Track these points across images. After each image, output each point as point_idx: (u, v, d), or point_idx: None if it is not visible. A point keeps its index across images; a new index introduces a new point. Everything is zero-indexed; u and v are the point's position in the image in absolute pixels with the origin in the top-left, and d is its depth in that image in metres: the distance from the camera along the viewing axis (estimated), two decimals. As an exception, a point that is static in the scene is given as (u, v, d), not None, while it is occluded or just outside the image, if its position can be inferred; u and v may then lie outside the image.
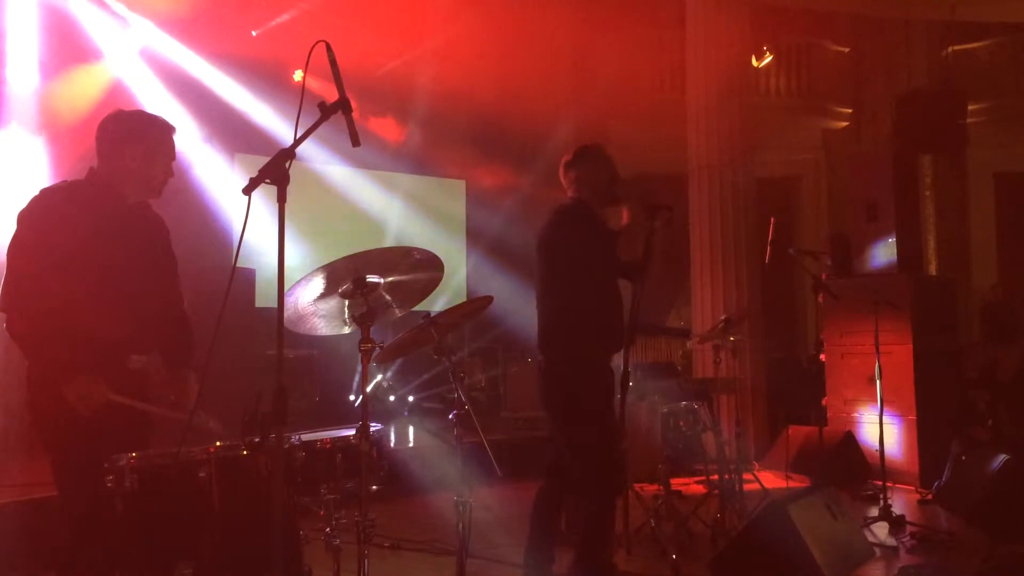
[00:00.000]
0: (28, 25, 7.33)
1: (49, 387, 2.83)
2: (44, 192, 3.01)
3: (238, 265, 2.70)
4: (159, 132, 3.14)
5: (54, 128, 7.12)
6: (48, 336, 2.83)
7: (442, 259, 3.12)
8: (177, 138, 3.21)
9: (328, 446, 3.02)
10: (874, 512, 5.68)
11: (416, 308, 3.34)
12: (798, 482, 6.73)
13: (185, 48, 8.97)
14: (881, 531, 5.42)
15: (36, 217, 2.94)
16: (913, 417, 7.16)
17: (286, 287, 2.52)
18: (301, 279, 2.88)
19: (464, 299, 8.97)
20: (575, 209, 3.93)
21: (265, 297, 8.21)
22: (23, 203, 2.97)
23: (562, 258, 3.87)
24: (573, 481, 3.88)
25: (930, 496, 6.36)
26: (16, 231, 2.93)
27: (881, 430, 5.86)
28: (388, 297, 3.13)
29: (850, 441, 7.37)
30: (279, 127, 9.11)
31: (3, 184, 6.56)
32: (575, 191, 3.96)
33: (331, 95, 2.48)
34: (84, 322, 2.86)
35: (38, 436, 2.97)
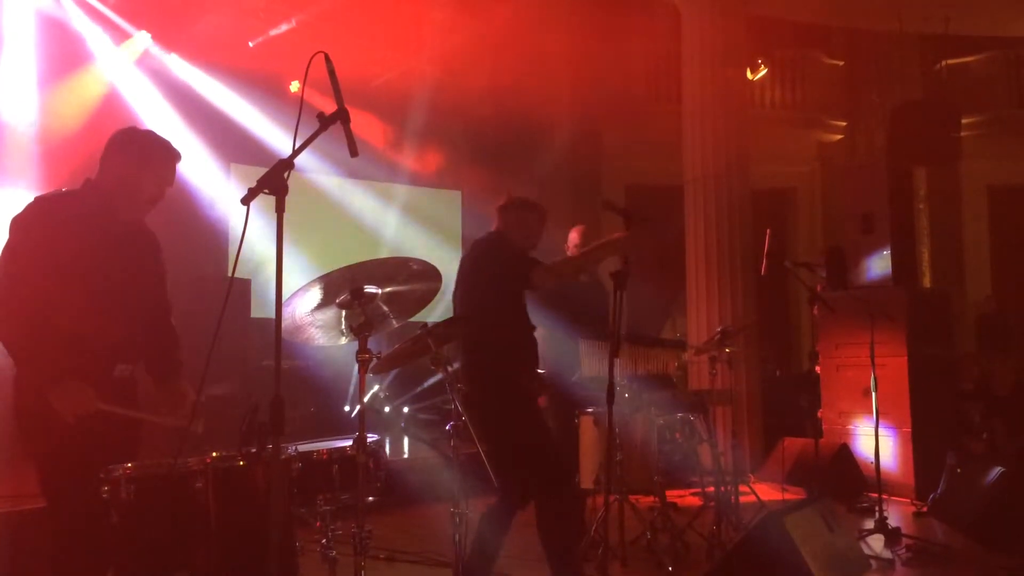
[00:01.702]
0: (26, 36, 7.35)
1: (37, 393, 2.80)
2: (39, 200, 3.00)
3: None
4: (162, 159, 3.12)
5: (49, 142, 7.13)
6: (38, 341, 2.81)
7: (439, 270, 3.12)
8: (180, 165, 3.18)
9: (325, 457, 3.02)
10: (870, 524, 5.67)
11: (413, 319, 3.34)
12: (794, 494, 6.72)
13: (182, 59, 8.99)
14: (877, 543, 5.40)
15: (30, 224, 2.93)
16: (908, 429, 7.16)
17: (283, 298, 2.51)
18: (298, 289, 2.87)
19: (460, 310, 8.93)
20: (492, 242, 4.02)
21: (260, 307, 8.19)
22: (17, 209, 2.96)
23: (472, 290, 3.96)
24: (526, 491, 3.87)
25: (926, 508, 6.36)
26: (10, 237, 2.92)
27: (877, 442, 5.86)
28: (385, 308, 3.13)
29: (845, 453, 7.37)
30: (275, 137, 9.13)
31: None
32: (502, 227, 4.07)
33: (326, 105, 2.48)
34: (73, 328, 2.85)
35: (25, 444, 2.95)
